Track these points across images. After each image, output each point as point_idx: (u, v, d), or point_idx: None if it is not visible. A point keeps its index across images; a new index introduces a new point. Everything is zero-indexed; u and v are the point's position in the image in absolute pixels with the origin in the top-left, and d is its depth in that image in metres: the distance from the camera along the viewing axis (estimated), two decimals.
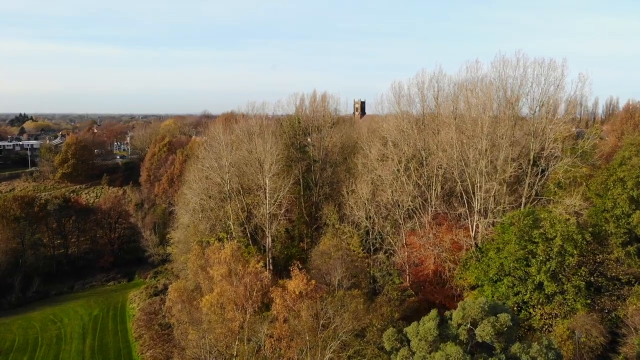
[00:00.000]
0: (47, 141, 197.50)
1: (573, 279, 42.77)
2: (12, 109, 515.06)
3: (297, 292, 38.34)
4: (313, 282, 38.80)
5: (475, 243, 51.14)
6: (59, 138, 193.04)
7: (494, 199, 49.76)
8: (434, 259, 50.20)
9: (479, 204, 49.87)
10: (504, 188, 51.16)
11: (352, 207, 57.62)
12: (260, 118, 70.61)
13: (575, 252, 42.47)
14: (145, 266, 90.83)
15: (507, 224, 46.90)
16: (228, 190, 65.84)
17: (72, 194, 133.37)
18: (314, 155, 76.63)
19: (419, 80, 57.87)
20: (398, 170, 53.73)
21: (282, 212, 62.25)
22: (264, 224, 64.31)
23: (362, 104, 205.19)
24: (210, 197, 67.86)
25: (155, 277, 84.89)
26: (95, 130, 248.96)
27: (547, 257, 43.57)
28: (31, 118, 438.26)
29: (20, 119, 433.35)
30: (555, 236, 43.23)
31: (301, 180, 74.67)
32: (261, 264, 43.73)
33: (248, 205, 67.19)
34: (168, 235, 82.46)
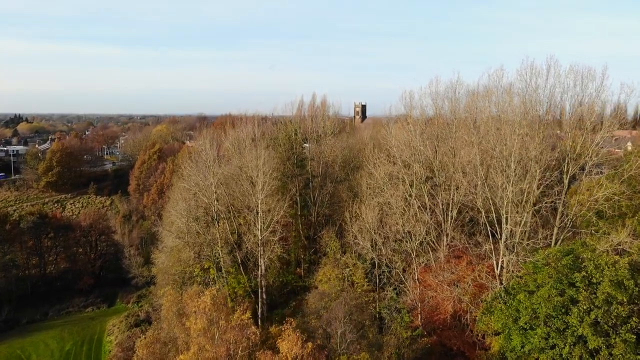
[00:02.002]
0: (37, 145, 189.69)
1: (622, 330, 35.44)
2: (12, 109, 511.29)
3: (290, 358, 31.00)
4: (310, 344, 31.43)
5: (500, 282, 43.76)
6: (47, 143, 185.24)
7: (522, 232, 42.39)
8: (453, 301, 42.78)
9: (505, 238, 42.45)
10: (530, 217, 43.78)
11: (355, 236, 50.23)
12: (253, 130, 63.11)
13: (625, 300, 35.20)
14: (129, 288, 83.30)
15: (542, 263, 39.61)
16: (216, 212, 58.44)
17: (55, 205, 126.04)
18: (313, 169, 69.29)
19: (433, 90, 50.52)
20: (410, 195, 46.34)
21: (276, 239, 54.82)
22: (255, 251, 57.02)
23: (363, 107, 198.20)
24: (196, 219, 60.34)
25: (139, 303, 77.34)
26: (88, 132, 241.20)
27: (591, 305, 36.20)
28: (26, 119, 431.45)
29: (16, 120, 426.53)
30: (602, 281, 35.89)
31: (298, 199, 67.26)
32: (248, 314, 36.32)
33: (239, 227, 59.85)
34: (153, 256, 75.14)
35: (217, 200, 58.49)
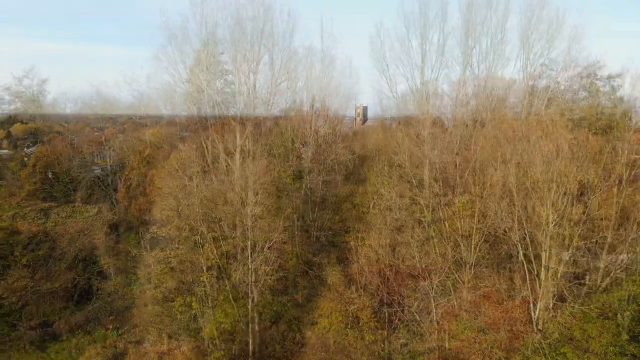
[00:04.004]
0: (25, 149, 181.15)
1: None
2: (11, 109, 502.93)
3: None
4: None
5: (537, 329, 36.25)
6: (34, 147, 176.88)
7: (566, 271, 34.91)
8: (483, 355, 35.25)
9: (545, 277, 34.93)
10: (576, 252, 36.28)
11: (362, 267, 42.75)
12: (244, 141, 55.51)
13: None
14: (110, 310, 75.40)
15: (595, 314, 32.21)
16: (200, 235, 50.83)
17: (38, 214, 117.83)
18: (312, 182, 61.77)
19: (453, 94, 43.06)
20: (428, 224, 38.79)
21: (268, 268, 47.25)
22: (246, 279, 49.51)
23: (365, 109, 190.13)
24: (178, 242, 52.74)
25: (119, 330, 69.59)
26: (89, 130, 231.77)
27: None
28: (21, 120, 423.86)
29: (11, 121, 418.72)
30: None
31: (296, 217, 59.58)
32: None
33: (227, 251, 52.29)
34: (138, 272, 67.59)
35: (202, 221, 50.93)
